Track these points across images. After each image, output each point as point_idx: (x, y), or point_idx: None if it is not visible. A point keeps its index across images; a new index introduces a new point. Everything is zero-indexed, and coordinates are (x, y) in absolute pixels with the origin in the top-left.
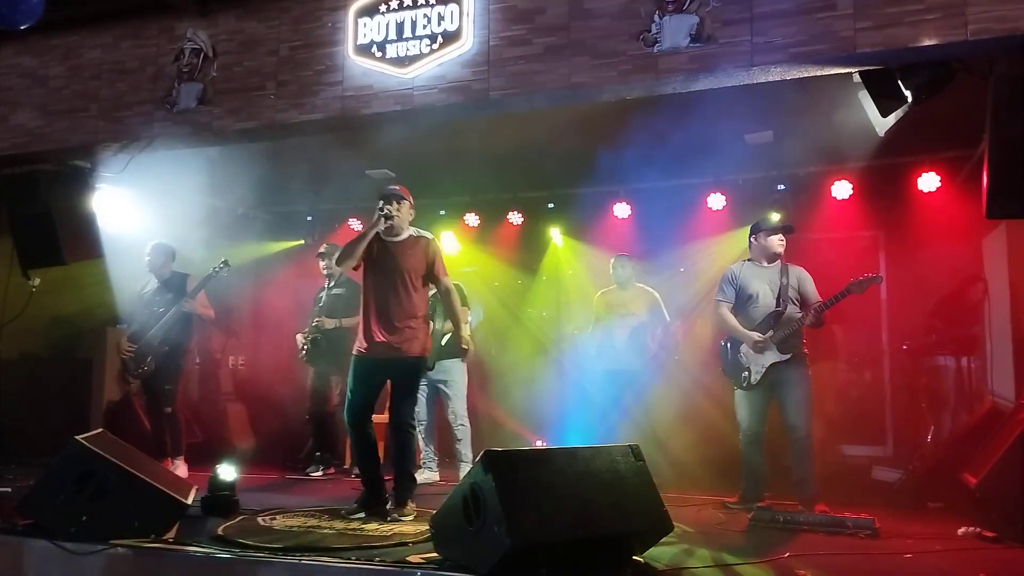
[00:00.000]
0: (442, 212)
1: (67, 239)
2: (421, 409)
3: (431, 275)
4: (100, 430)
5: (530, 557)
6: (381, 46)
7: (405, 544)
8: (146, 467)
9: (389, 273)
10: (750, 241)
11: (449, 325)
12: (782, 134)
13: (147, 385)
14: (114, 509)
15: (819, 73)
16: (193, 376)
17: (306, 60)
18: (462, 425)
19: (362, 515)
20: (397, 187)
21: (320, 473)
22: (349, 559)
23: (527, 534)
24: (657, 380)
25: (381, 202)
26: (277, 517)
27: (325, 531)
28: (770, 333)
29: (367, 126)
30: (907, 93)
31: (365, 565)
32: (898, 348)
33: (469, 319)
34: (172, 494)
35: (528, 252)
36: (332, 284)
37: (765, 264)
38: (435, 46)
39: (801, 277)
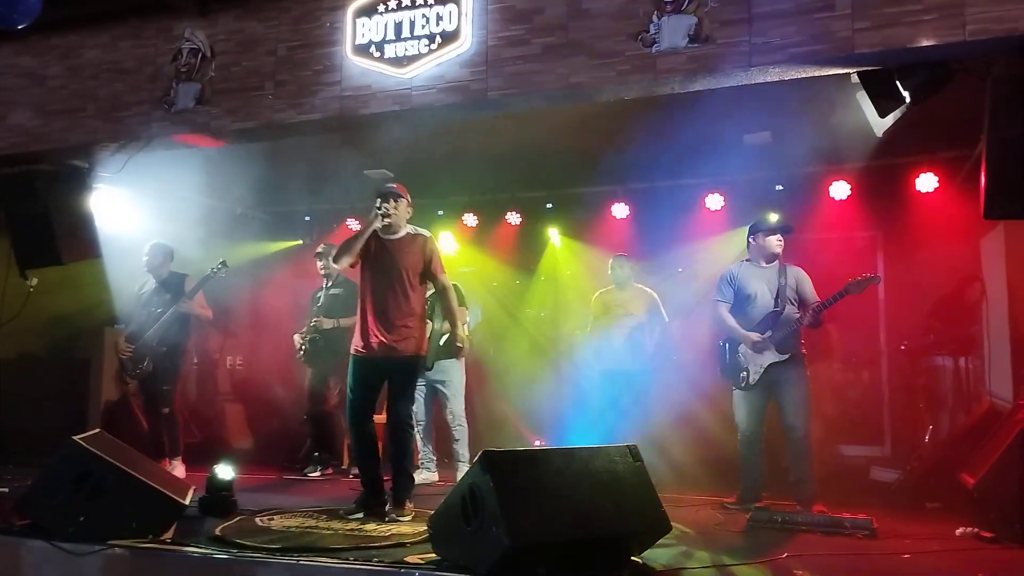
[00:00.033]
0: (440, 212)
1: (65, 239)
2: (419, 409)
3: (428, 273)
4: (98, 430)
5: (528, 557)
6: (379, 46)
7: (403, 544)
8: (144, 467)
9: (387, 271)
10: (748, 241)
11: (448, 325)
12: (780, 134)
13: (145, 385)
14: (112, 509)
15: (817, 73)
16: (191, 376)
17: (304, 60)
18: (460, 425)
19: (360, 515)
20: (395, 185)
21: (318, 473)
22: (347, 559)
23: (525, 534)
24: (655, 380)
25: (379, 200)
26: (275, 517)
27: (323, 531)
28: (768, 333)
29: (365, 126)
30: (905, 93)
31: (363, 565)
32: (896, 348)
33: (467, 319)
34: (170, 494)
35: (526, 252)
36: (330, 284)
37: (763, 264)
38: (433, 46)
39: (799, 277)
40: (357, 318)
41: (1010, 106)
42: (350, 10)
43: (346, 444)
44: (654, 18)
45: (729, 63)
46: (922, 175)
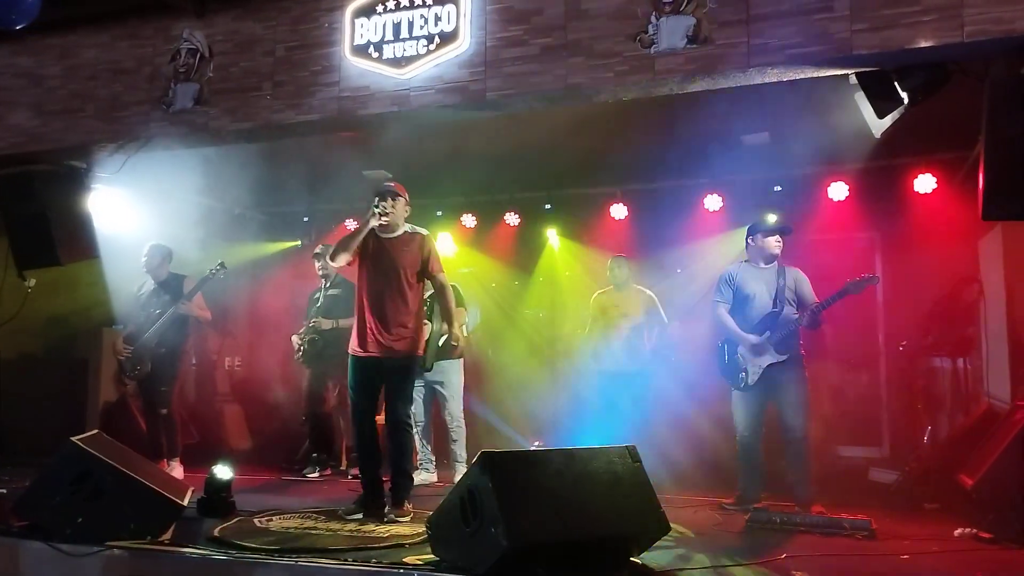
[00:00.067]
0: (439, 213)
1: (63, 240)
2: (418, 410)
3: (426, 271)
4: (96, 431)
5: (527, 558)
6: (378, 47)
7: (402, 545)
8: (142, 468)
9: (384, 270)
10: (747, 242)
11: (447, 326)
12: (779, 135)
13: (143, 386)
14: (110, 510)
15: (816, 75)
16: (189, 377)
17: (303, 61)
18: (458, 427)
19: (359, 516)
20: (392, 184)
21: (317, 474)
22: (346, 560)
23: (524, 535)
24: (654, 381)
25: (376, 198)
26: (274, 518)
27: (322, 532)
28: (767, 334)
29: (364, 127)
30: (903, 94)
31: (362, 566)
32: (894, 349)
33: (467, 320)
34: (168, 495)
35: (525, 253)
36: (328, 285)
37: (762, 265)
38: (432, 47)
39: (798, 278)
40: (354, 317)
41: (1008, 107)
42: (348, 11)
43: (344, 445)
44: (652, 19)
45: (728, 64)
46: (920, 176)
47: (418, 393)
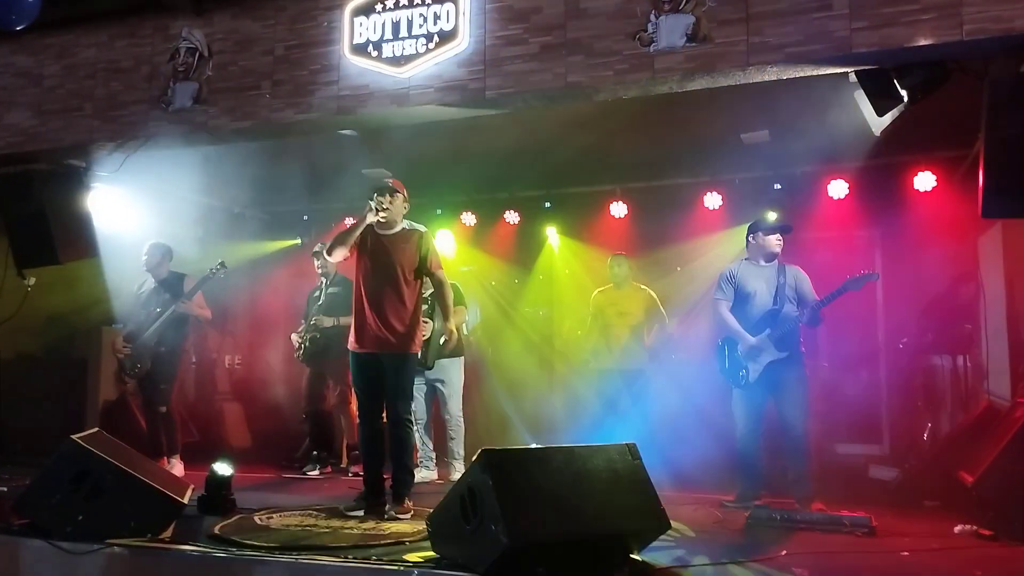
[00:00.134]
0: (439, 211)
1: (62, 239)
2: (419, 408)
3: (424, 268)
4: (96, 429)
5: (527, 556)
6: (377, 45)
7: (402, 543)
8: (142, 466)
9: (382, 267)
10: (748, 240)
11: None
12: (778, 133)
13: (143, 385)
14: (110, 508)
15: (815, 73)
16: (189, 376)
17: (301, 59)
18: (456, 424)
19: (360, 512)
20: (391, 180)
21: (317, 472)
22: (346, 558)
23: (524, 533)
24: (654, 379)
25: (374, 194)
26: (274, 516)
27: (322, 530)
28: (767, 332)
29: (363, 126)
30: (903, 93)
31: (362, 564)
32: (895, 347)
33: (466, 318)
34: (168, 493)
35: (524, 251)
36: (328, 283)
37: (762, 263)
38: (431, 45)
39: (798, 276)
40: (352, 314)
41: (1008, 105)
42: (347, 9)
43: (345, 443)
44: (652, 17)
45: (727, 62)
46: (920, 174)
47: (419, 391)
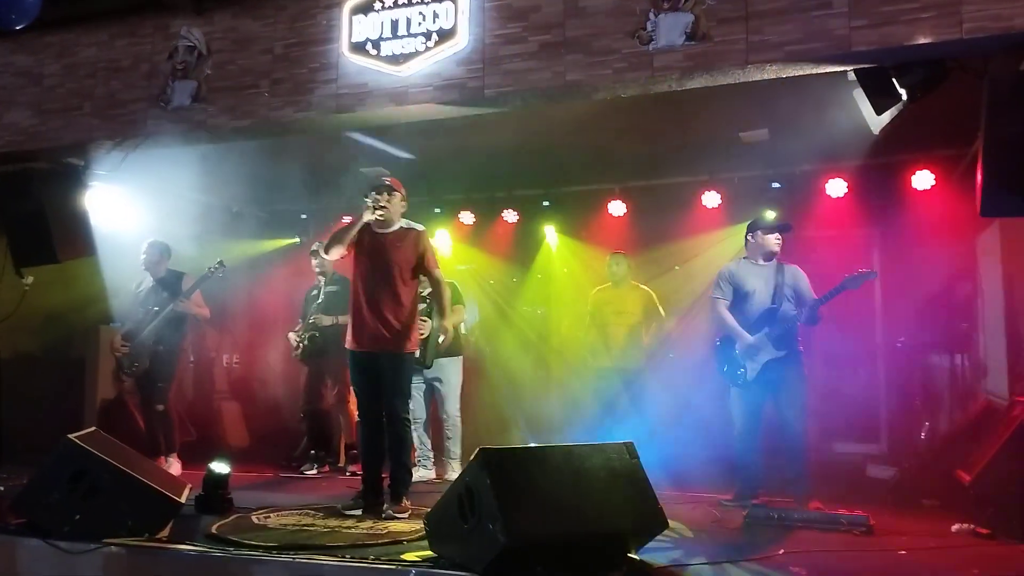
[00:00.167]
0: (437, 210)
1: (60, 237)
2: (418, 406)
3: (422, 267)
4: (93, 429)
5: (525, 555)
6: (376, 44)
7: (400, 542)
8: (140, 466)
9: (379, 265)
10: (747, 239)
11: (444, 323)
12: (777, 132)
13: (141, 383)
14: (108, 508)
15: (814, 71)
16: (187, 375)
17: (300, 58)
18: (453, 424)
19: (358, 511)
20: (388, 179)
21: (315, 471)
22: (344, 557)
23: (522, 532)
24: (652, 378)
25: (372, 192)
26: (271, 515)
27: (320, 529)
28: (766, 330)
29: (362, 124)
30: (902, 91)
31: (360, 563)
32: (892, 345)
33: (465, 317)
34: (166, 493)
35: (523, 250)
36: (326, 282)
37: (761, 262)
38: (430, 44)
39: (796, 275)
40: (350, 313)
41: (1007, 104)
42: (346, 8)
43: (343, 442)
44: (651, 16)
45: (726, 61)
46: (918, 173)
47: (418, 390)
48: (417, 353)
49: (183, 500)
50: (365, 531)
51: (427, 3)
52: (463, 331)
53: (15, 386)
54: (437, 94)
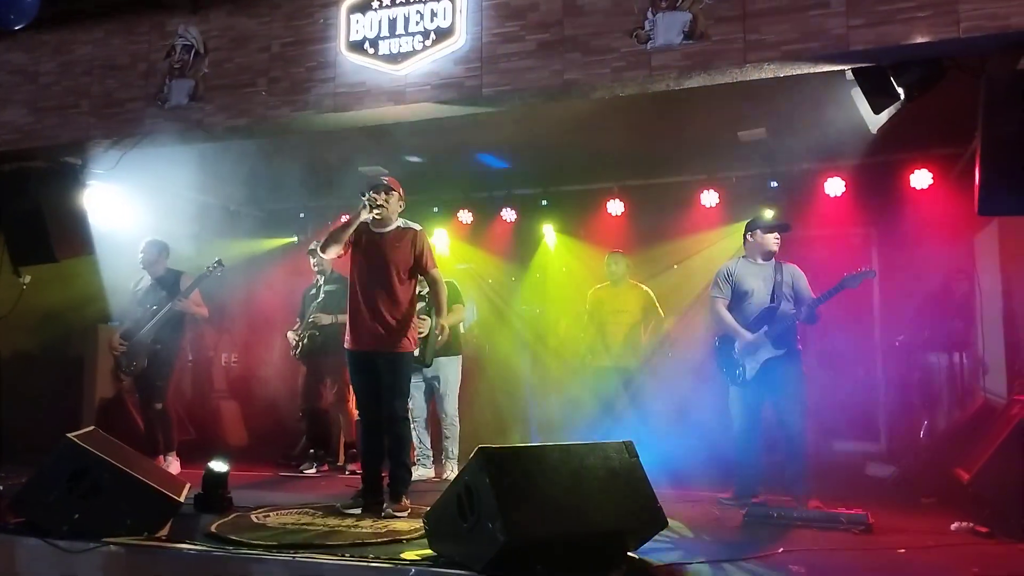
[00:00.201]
0: (435, 209)
1: (58, 236)
2: (417, 405)
3: (419, 267)
4: (92, 428)
5: (525, 553)
6: (374, 42)
7: (399, 541)
8: (139, 465)
9: (376, 265)
10: (745, 238)
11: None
12: (775, 131)
13: (139, 382)
14: (107, 507)
15: (812, 70)
16: (186, 373)
17: (298, 57)
18: (451, 423)
19: (358, 510)
20: (386, 178)
21: (314, 470)
22: (343, 556)
23: (522, 531)
24: (651, 377)
25: (369, 191)
26: (271, 514)
27: (319, 528)
28: (764, 329)
29: (359, 123)
30: (899, 90)
31: (359, 562)
32: (891, 344)
33: (464, 316)
34: (165, 492)
35: (521, 249)
36: (324, 280)
37: (760, 261)
38: (428, 43)
39: (795, 274)
40: (347, 312)
41: (1004, 102)
42: (344, 6)
43: (342, 441)
44: (649, 15)
45: (724, 60)
46: (916, 171)
47: (417, 388)
48: (416, 352)
49: (182, 499)
50: (364, 530)
51: (425, 2)
52: (462, 330)
53: (13, 385)
54: (435, 93)
